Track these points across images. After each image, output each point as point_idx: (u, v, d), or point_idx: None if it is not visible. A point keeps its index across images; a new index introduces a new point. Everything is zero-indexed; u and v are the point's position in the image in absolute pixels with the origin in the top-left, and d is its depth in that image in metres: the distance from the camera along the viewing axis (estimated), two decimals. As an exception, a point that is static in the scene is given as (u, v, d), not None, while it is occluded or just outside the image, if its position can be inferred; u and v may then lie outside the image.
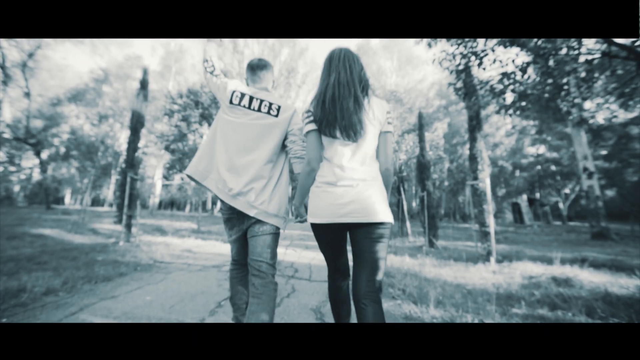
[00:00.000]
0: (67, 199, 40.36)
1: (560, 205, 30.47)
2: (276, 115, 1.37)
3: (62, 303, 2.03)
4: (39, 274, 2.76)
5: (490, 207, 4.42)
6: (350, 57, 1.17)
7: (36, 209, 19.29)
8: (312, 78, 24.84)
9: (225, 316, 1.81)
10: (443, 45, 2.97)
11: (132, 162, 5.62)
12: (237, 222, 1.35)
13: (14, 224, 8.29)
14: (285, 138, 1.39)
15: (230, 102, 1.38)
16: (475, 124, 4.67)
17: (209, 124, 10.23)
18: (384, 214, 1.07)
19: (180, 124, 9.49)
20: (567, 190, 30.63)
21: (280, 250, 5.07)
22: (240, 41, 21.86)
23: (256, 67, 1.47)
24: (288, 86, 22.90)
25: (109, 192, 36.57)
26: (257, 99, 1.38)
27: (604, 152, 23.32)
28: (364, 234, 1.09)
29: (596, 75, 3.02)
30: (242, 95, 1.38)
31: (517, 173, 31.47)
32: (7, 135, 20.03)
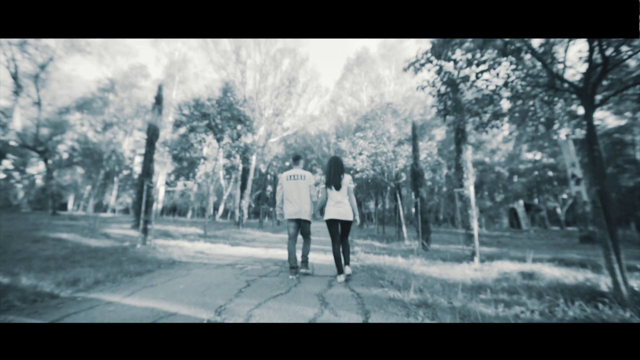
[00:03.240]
0: (70, 205, 40.80)
1: (558, 210, 30.90)
2: (303, 178, 3.45)
3: (115, 289, 2.51)
4: (80, 270, 3.24)
5: (474, 212, 4.91)
6: (339, 160, 3.28)
7: (42, 215, 19.66)
8: (312, 87, 25.51)
9: (248, 299, 2.29)
10: (425, 75, 3.51)
11: (148, 171, 6.13)
12: (297, 222, 3.42)
13: (30, 229, 8.73)
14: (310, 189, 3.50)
15: (287, 179, 3.46)
16: (460, 137, 5.20)
17: (215, 134, 10.76)
18: (351, 217, 3.18)
19: (188, 135, 10.03)
20: (564, 196, 31.10)
21: (284, 253, 5.55)
22: (243, 52, 22.60)
23: (297, 159, 3.64)
24: (289, 95, 23.54)
25: (111, 198, 37.03)
26: (296, 174, 3.46)
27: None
28: (344, 224, 3.22)
29: (555, 99, 3.55)
30: (291, 175, 3.46)
31: (515, 179, 31.92)
32: (14, 142, 20.62)
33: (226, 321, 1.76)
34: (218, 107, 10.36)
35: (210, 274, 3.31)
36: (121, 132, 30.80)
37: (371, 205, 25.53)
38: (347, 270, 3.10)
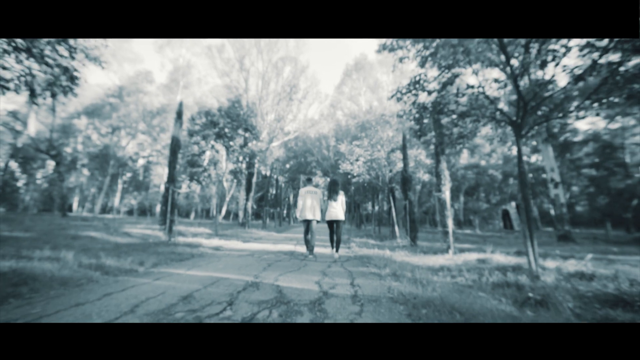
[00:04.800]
0: (74, 206, 41.73)
1: (552, 211, 31.86)
2: (315, 193, 5.17)
3: (174, 267, 3.49)
4: (136, 257, 4.19)
5: (449, 213, 5.90)
6: (336, 182, 5.20)
7: (54, 217, 20.41)
8: (312, 93, 26.55)
9: (272, 272, 3.27)
10: (401, 106, 4.52)
11: (173, 178, 7.11)
12: (309, 221, 5.03)
13: (57, 228, 9.66)
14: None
15: (305, 193, 5.13)
16: (439, 150, 6.19)
17: (224, 141, 11.76)
18: (342, 217, 5.05)
19: (200, 142, 11.03)
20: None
21: (290, 247, 6.52)
22: (247, 60, 23.62)
23: (309, 180, 5.40)
24: (290, 101, 24.54)
25: (116, 200, 37.98)
26: (311, 191, 5.16)
27: (589, 161, 24.72)
28: (337, 223, 5.05)
29: (502, 124, 4.56)
30: (307, 190, 5.14)
31: (511, 180, 32.91)
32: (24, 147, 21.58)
33: (262, 282, 2.74)
34: (227, 118, 11.39)
35: (237, 259, 4.29)
36: (127, 136, 31.82)
37: (369, 207, 26.45)
38: (335, 255, 4.85)
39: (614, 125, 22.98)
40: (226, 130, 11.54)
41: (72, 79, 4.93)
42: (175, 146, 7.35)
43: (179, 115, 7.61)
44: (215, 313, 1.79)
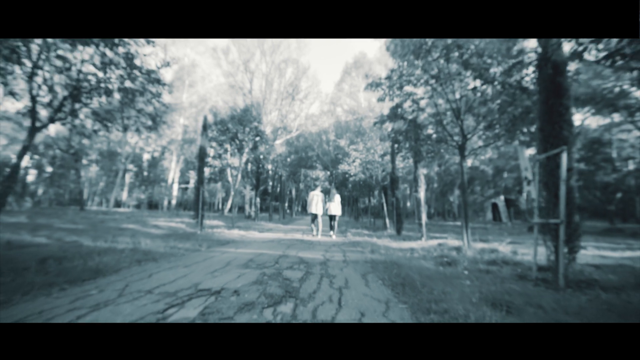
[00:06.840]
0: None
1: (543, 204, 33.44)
2: (319, 195, 7.96)
3: (225, 248, 5.11)
4: (190, 243, 5.81)
5: (423, 209, 7.53)
6: (333, 189, 8.30)
7: (74, 210, 21.75)
8: (313, 93, 27.93)
9: (292, 250, 4.90)
10: (381, 130, 6.12)
11: (202, 180, 8.71)
12: (315, 216, 7.64)
13: (97, 222, 11.26)
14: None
15: (312, 196, 7.88)
16: (418, 158, 7.78)
17: (237, 144, 13.31)
18: (339, 213, 8.09)
19: (215, 146, 12.62)
20: (548, 191, 33.67)
21: (299, 236, 8.18)
22: (252, 63, 24.90)
23: (316, 185, 7.99)
24: (292, 101, 25.93)
25: (124, 194, 39.71)
26: (317, 194, 7.93)
27: (577, 156, 26.07)
28: (334, 217, 8.08)
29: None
30: (315, 194, 7.93)
31: (505, 175, 34.49)
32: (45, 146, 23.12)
33: (289, 254, 4.36)
34: (239, 125, 12.95)
35: (264, 244, 5.94)
36: (133, 134, 33.28)
37: (367, 201, 28.14)
38: (334, 237, 7.60)
39: (604, 121, 24.19)
40: (238, 135, 13.12)
41: (155, 121, 6.67)
42: (202, 154, 8.92)
43: (204, 128, 9.16)
44: (271, 265, 3.43)
